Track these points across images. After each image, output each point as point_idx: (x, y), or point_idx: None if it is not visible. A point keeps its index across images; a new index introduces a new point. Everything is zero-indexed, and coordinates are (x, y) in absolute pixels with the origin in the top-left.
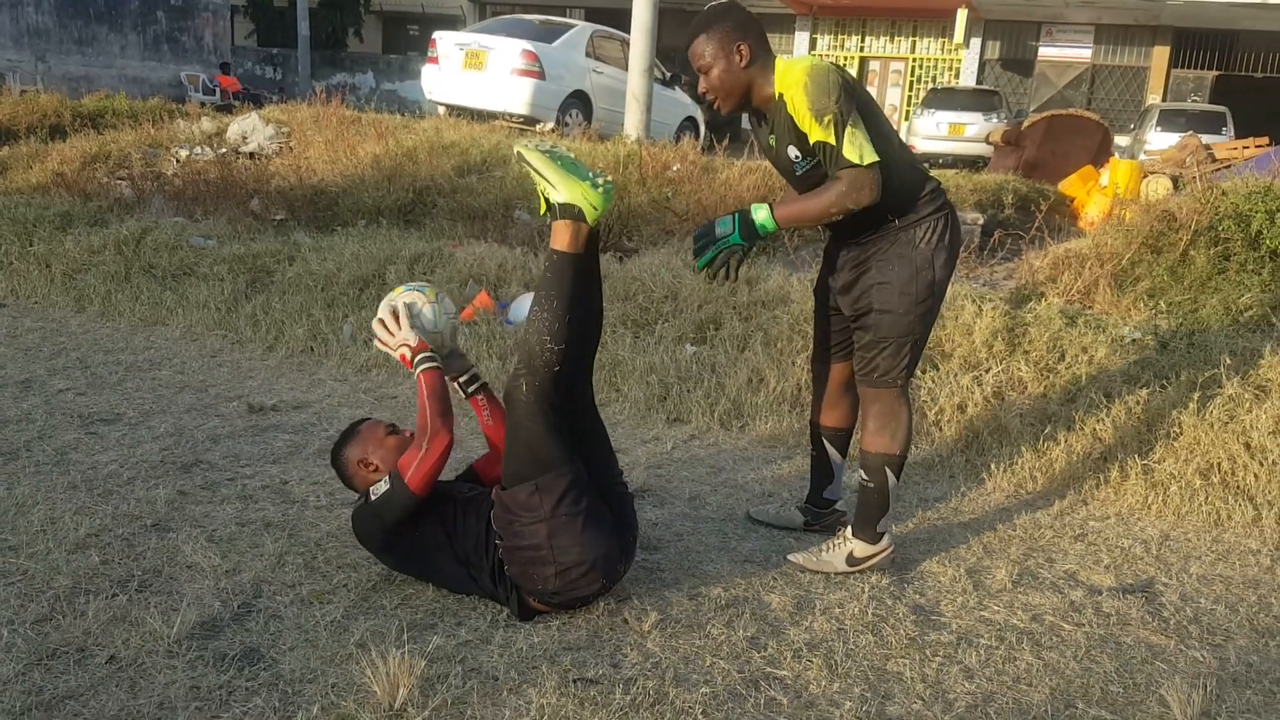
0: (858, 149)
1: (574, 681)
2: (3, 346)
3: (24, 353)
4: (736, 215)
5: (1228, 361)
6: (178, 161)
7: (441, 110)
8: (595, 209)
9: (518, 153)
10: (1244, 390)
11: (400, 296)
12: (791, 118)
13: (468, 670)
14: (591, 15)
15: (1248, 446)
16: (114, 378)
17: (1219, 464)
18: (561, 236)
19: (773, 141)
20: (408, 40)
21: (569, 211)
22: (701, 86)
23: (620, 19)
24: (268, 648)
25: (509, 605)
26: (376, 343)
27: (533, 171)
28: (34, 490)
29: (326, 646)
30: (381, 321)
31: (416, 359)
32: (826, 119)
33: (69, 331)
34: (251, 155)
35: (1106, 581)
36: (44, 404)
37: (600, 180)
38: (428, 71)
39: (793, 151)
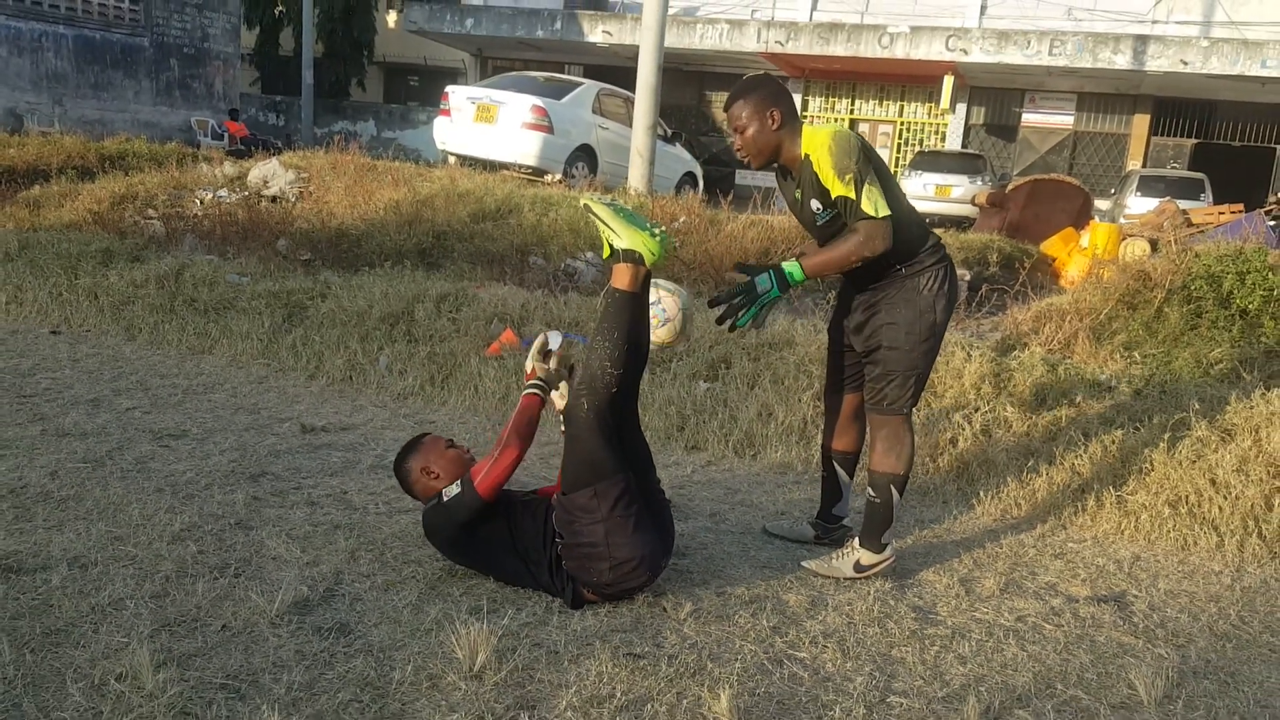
0: (874, 204)
1: (624, 655)
2: (67, 370)
3: (87, 375)
4: (771, 272)
5: (1196, 406)
6: (201, 203)
7: (452, 160)
8: (653, 254)
9: (584, 204)
10: (1211, 432)
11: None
12: (816, 175)
13: (532, 645)
14: (589, 72)
15: (1213, 482)
16: (174, 399)
17: (1186, 496)
18: (622, 277)
19: (798, 195)
20: (408, 90)
21: (630, 256)
22: (736, 144)
23: (616, 76)
24: (355, 623)
25: (563, 595)
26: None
27: (598, 220)
28: (125, 492)
29: (407, 623)
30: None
31: (527, 383)
32: (848, 177)
33: (124, 358)
34: (274, 199)
35: (1083, 592)
36: (116, 420)
37: (657, 230)
38: (440, 123)
39: (815, 205)
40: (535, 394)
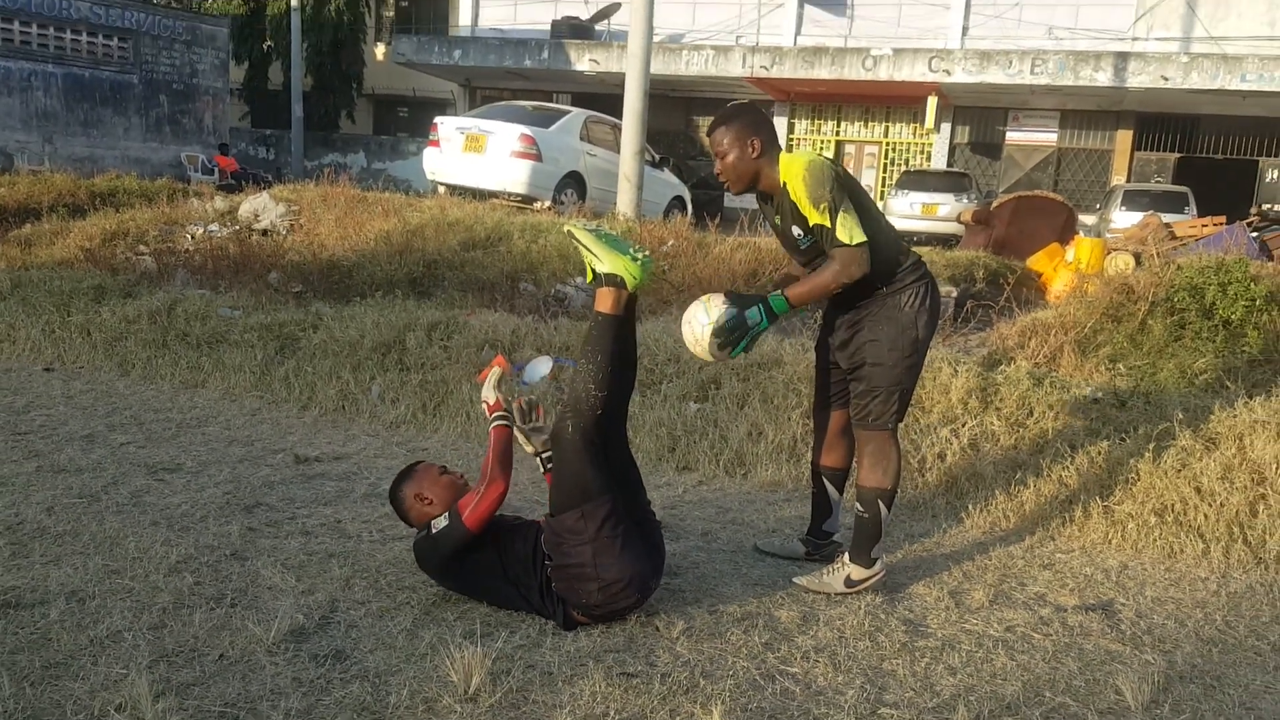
0: (848, 231)
1: (618, 675)
2: (61, 406)
3: (81, 411)
4: (760, 305)
5: (1180, 417)
6: (193, 238)
7: (441, 190)
8: (635, 278)
9: (567, 230)
10: (1195, 442)
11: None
12: (795, 203)
13: (526, 666)
14: (578, 100)
15: (1198, 490)
16: (168, 433)
17: (1172, 505)
18: (605, 301)
19: (778, 221)
20: (398, 122)
21: (612, 280)
22: (717, 169)
23: (604, 103)
24: (351, 649)
25: (554, 617)
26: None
27: (580, 246)
28: (121, 526)
29: (402, 648)
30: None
31: (492, 416)
32: (822, 206)
33: (118, 393)
34: (264, 232)
35: (1071, 601)
36: (110, 455)
37: (639, 255)
38: (429, 153)
39: (796, 230)
40: (504, 425)
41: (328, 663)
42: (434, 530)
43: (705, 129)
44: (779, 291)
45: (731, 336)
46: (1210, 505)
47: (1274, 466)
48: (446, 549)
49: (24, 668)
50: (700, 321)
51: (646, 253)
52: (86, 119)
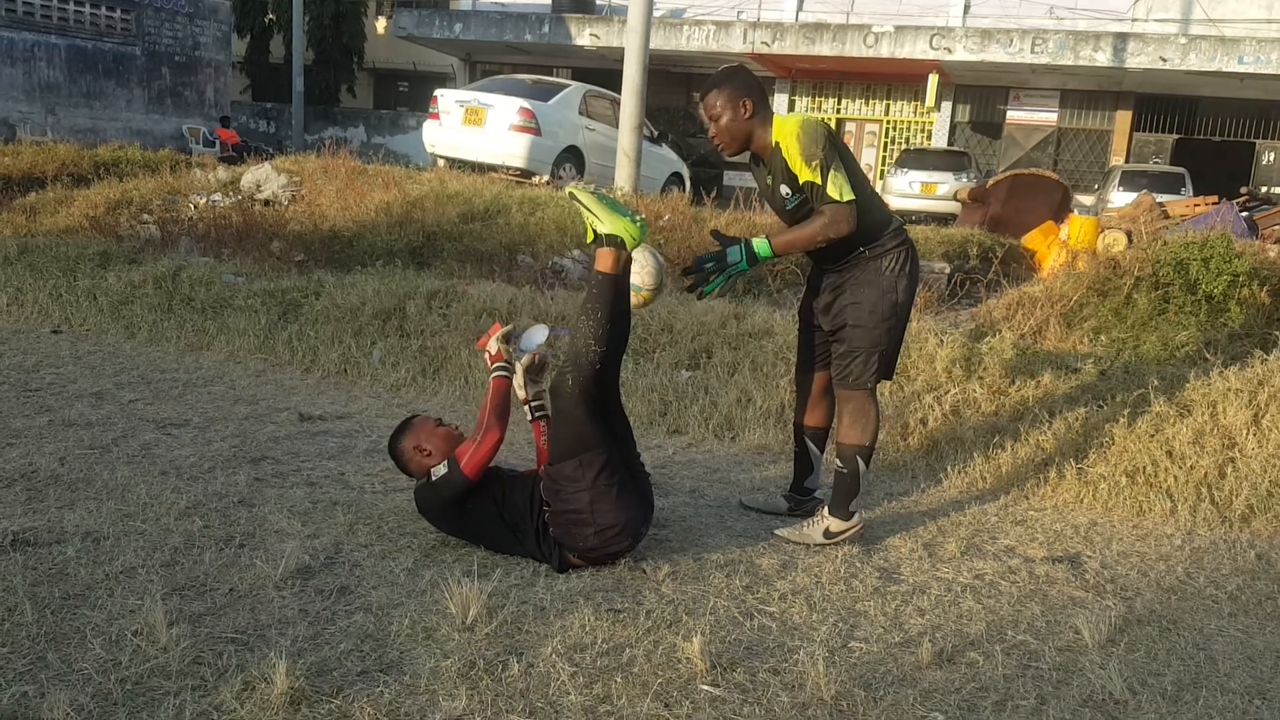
0: (838, 189)
1: (606, 610)
2: (70, 365)
3: (90, 370)
4: (742, 245)
5: (1156, 384)
6: (195, 208)
7: (441, 162)
8: (634, 239)
9: (569, 192)
10: (1169, 408)
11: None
12: (786, 162)
13: (520, 602)
14: (578, 75)
15: (1170, 454)
16: (174, 392)
17: (1144, 467)
18: (605, 261)
19: (769, 181)
20: (398, 96)
21: (613, 241)
22: (711, 131)
23: (604, 78)
24: (355, 585)
25: (550, 560)
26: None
27: (582, 208)
28: (132, 475)
29: (404, 585)
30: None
31: (493, 366)
32: (815, 163)
33: (125, 354)
34: (267, 203)
35: (1039, 553)
36: (120, 411)
37: (637, 217)
38: (429, 126)
39: (785, 190)
40: (503, 376)
41: (333, 596)
42: (434, 478)
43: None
44: (764, 236)
45: (707, 271)
46: (1180, 468)
47: (1244, 432)
48: (446, 495)
49: (44, 598)
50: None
51: (643, 215)
52: (89, 90)
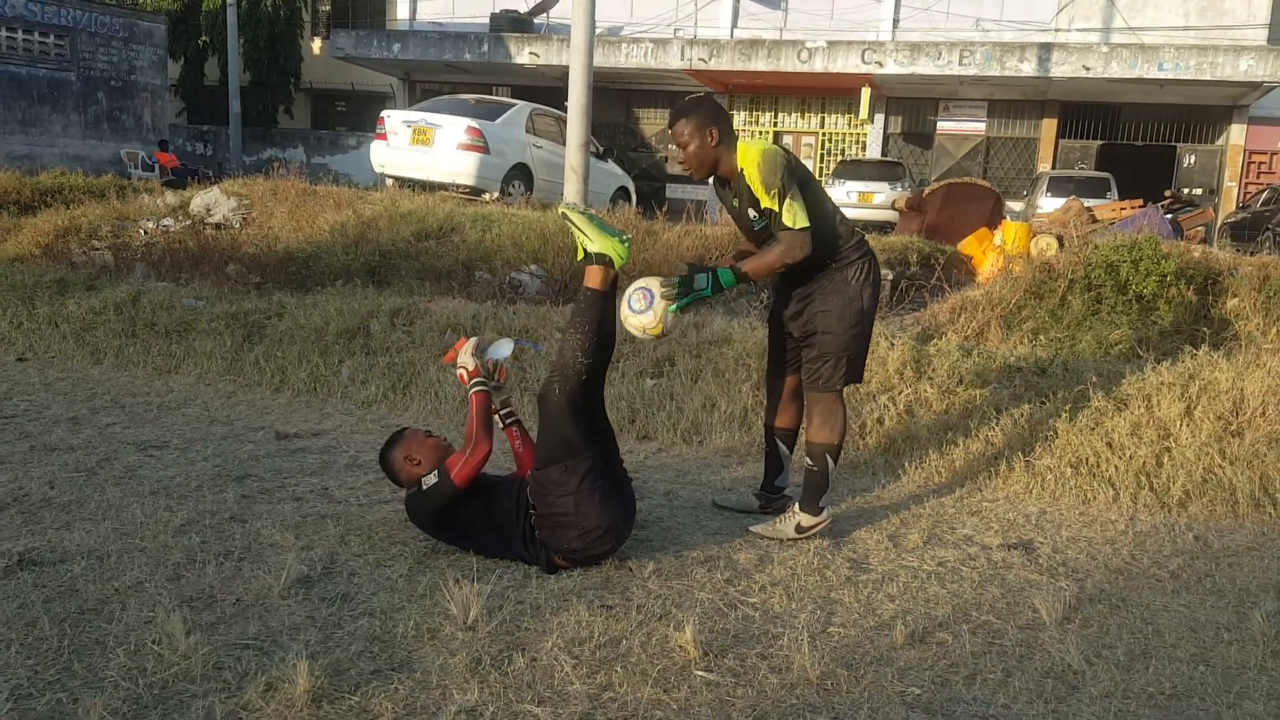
0: (794, 216)
1: (598, 607)
2: (41, 392)
3: (62, 397)
4: (709, 274)
5: (1094, 381)
6: (146, 233)
7: (390, 182)
8: (621, 258)
9: (562, 212)
10: (1108, 402)
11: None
12: (749, 187)
13: (516, 602)
14: (517, 93)
15: (1110, 445)
16: (149, 415)
17: (1087, 458)
18: (594, 278)
19: (736, 204)
20: (336, 116)
21: (602, 259)
22: (680, 158)
23: (544, 96)
24: (356, 592)
25: (537, 562)
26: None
27: (574, 227)
28: (123, 495)
29: (403, 590)
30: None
31: (471, 382)
32: (773, 192)
33: (94, 379)
34: (218, 226)
35: (995, 541)
36: (98, 434)
37: (624, 238)
38: (377, 146)
39: (751, 212)
40: (482, 391)
41: (337, 603)
42: (424, 486)
43: (647, 121)
44: (729, 266)
45: (674, 293)
46: (1120, 458)
47: (1178, 423)
48: (436, 503)
49: (59, 613)
50: (627, 309)
51: (629, 236)
52: (24, 117)
